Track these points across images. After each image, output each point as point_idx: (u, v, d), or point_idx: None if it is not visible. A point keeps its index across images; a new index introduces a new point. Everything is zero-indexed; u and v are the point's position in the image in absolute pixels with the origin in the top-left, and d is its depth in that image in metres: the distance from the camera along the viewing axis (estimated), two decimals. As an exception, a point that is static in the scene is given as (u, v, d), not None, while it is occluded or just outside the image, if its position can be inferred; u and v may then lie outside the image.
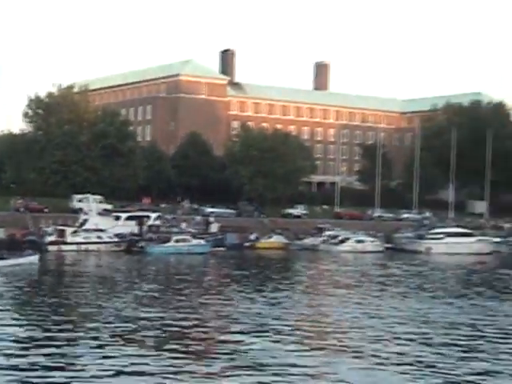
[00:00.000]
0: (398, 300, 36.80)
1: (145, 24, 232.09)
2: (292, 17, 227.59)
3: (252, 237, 71.29)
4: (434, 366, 21.62)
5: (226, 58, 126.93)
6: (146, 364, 20.93)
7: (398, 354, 23.30)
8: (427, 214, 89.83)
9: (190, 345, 24.03)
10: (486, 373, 21.35)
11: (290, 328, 27.57)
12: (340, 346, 24.39)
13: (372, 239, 73.78)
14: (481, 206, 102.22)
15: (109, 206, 71.49)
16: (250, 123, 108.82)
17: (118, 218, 67.31)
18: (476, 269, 56.26)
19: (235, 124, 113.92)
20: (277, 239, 71.58)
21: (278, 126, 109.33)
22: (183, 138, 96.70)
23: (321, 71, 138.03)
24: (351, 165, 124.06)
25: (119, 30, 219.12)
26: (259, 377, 20.11)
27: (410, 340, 25.66)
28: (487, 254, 72.72)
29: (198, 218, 74.61)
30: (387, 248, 73.36)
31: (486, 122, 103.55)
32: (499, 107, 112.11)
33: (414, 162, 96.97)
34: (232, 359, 22.04)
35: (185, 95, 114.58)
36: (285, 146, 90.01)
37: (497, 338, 26.59)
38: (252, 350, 23.44)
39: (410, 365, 21.87)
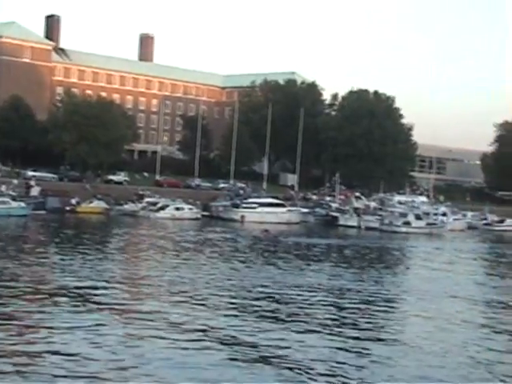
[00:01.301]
0: (208, 264, 38.85)
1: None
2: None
3: (73, 201, 72.10)
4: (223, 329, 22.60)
5: (52, 23, 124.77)
6: None
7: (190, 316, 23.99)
8: (243, 185, 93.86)
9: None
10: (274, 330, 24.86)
11: (102, 291, 28.10)
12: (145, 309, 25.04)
13: (190, 207, 76.31)
14: (292, 179, 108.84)
15: None
16: (74, 90, 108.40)
17: None
18: (261, 236, 58.35)
19: (59, 90, 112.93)
20: (98, 204, 72.87)
21: (103, 94, 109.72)
22: (5, 101, 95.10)
23: (146, 42, 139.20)
24: (173, 135, 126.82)
25: None
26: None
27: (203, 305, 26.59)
28: (296, 223, 78.20)
29: (16, 181, 73.97)
30: (204, 216, 76.46)
31: (299, 100, 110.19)
32: (312, 87, 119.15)
33: (232, 134, 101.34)
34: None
35: (7, 58, 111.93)
36: (108, 114, 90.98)
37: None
38: (44, 312, 23.47)
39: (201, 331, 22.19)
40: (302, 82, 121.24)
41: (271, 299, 28.43)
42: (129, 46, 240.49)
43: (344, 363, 18.99)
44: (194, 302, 26.69)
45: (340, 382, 17.44)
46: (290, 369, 18.14)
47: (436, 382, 18.00)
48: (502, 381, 18.56)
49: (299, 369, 18.20)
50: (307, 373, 17.99)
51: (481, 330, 25.52)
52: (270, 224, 70.84)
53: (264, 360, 18.91)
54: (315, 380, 17.49)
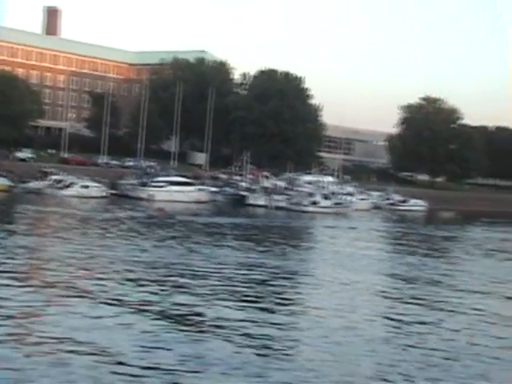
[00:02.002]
0: (111, 241, 38.54)
1: None
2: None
3: (-26, 178, 70.14)
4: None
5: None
6: None
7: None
8: (151, 163, 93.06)
9: None
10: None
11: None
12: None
13: (97, 185, 75.20)
14: (201, 158, 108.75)
15: None
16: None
17: None
18: (155, 215, 57.80)
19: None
20: (1, 181, 71.03)
21: (6, 68, 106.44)
22: None
23: (52, 16, 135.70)
24: (80, 112, 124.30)
25: None
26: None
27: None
28: (205, 202, 78.27)
29: None
30: (112, 194, 75.39)
31: (209, 78, 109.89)
32: (222, 66, 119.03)
33: (141, 112, 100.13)
34: None
35: None
36: (12, 89, 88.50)
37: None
38: None
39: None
40: (213, 61, 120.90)
41: (178, 274, 28.76)
42: (33, 19, 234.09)
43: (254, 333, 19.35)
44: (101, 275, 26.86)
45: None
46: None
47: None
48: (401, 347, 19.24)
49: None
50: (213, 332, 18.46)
51: (386, 300, 26.52)
52: (179, 203, 70.94)
53: (180, 321, 19.48)
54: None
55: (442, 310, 26.23)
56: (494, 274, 38.10)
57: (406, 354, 19.27)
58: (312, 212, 76.17)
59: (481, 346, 20.86)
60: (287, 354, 18.22)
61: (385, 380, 16.67)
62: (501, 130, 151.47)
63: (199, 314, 21.99)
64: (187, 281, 27.40)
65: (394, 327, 22.56)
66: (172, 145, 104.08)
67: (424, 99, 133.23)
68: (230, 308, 23.11)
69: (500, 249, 54.12)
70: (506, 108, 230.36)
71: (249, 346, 18.60)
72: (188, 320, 21.21)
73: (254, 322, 21.51)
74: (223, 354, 17.49)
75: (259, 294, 26.13)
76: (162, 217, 56.15)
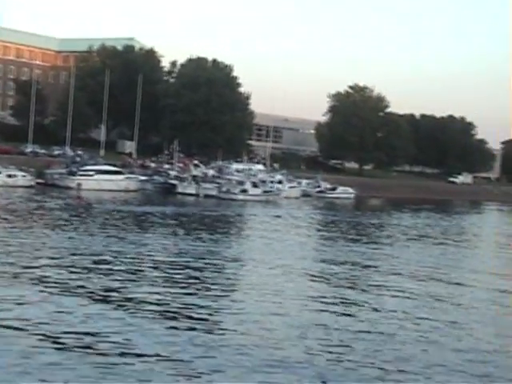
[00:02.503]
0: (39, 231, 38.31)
1: None
2: None
3: None
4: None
5: None
6: None
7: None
8: (79, 152, 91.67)
9: None
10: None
11: None
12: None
13: (23, 174, 73.60)
14: (130, 146, 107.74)
15: None
16: None
17: None
18: (74, 203, 57.17)
19: None
20: None
21: None
22: None
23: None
24: (5, 100, 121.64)
25: None
26: None
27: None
28: (134, 191, 77.59)
29: None
30: (38, 183, 73.98)
31: (137, 66, 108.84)
32: (150, 53, 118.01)
33: (68, 100, 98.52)
34: None
35: None
36: None
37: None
38: None
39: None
40: (141, 49, 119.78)
41: (103, 260, 28.80)
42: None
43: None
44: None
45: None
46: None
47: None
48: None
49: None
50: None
51: (315, 283, 27.07)
52: (108, 191, 70.22)
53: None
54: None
55: (369, 292, 26.93)
56: (419, 258, 39.19)
57: (334, 336, 19.74)
58: (242, 200, 76.50)
59: (409, 329, 21.48)
60: (214, 340, 18.38)
61: (313, 364, 16.99)
62: (426, 117, 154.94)
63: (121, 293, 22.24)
64: (111, 266, 27.41)
65: (324, 311, 23.08)
66: (100, 133, 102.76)
67: (352, 87, 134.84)
68: (158, 292, 23.26)
69: (426, 234, 55.55)
70: (432, 96, 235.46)
71: (175, 328, 18.79)
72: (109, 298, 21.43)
73: (180, 305, 21.66)
74: (149, 340, 17.62)
75: (187, 279, 26.33)
76: (80, 205, 55.25)
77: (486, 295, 28.92)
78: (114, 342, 17.48)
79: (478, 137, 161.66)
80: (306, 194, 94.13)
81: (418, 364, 18.02)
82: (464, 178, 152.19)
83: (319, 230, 54.97)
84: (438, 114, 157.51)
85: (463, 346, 20.21)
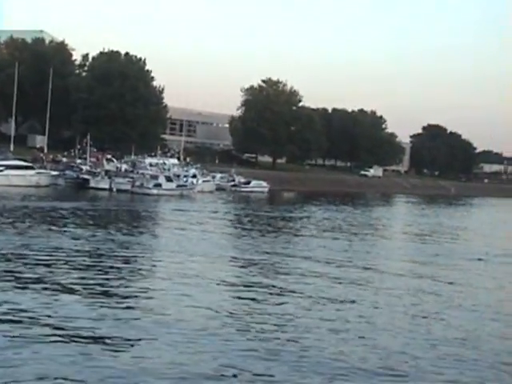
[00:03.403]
0: None
1: None
2: None
3: None
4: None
5: None
6: None
7: None
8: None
9: None
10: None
11: None
12: None
13: None
14: (41, 140, 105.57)
15: None
16: None
17: None
18: None
19: None
20: None
21: None
22: None
23: None
24: None
25: None
26: None
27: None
28: (46, 186, 75.97)
29: None
30: None
31: (48, 59, 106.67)
32: (61, 46, 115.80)
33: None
34: None
35: None
36: None
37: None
38: None
39: None
40: (51, 41, 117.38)
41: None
42: None
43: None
44: None
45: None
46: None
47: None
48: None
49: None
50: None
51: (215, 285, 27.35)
52: (18, 187, 68.68)
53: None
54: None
55: (278, 278, 27.45)
56: (332, 248, 40.05)
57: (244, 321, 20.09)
58: (156, 194, 76.26)
59: (313, 318, 22.03)
60: (113, 350, 17.93)
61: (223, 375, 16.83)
62: (337, 111, 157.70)
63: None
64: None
65: (234, 297, 23.45)
66: (10, 128, 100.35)
67: (265, 82, 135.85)
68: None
69: (338, 226, 56.74)
70: (342, 90, 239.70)
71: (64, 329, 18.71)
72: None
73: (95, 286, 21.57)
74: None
75: (91, 280, 25.68)
76: None
77: (392, 280, 29.94)
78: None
79: (388, 130, 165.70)
80: (220, 188, 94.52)
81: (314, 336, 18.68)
82: (375, 171, 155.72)
83: (233, 224, 55.37)
84: (350, 108, 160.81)
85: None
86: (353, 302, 24.83)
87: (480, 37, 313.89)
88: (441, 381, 16.74)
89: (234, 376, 15.84)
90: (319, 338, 19.51)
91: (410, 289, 28.42)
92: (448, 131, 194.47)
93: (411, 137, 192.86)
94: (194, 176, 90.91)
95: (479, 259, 39.82)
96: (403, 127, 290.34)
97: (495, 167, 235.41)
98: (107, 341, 17.65)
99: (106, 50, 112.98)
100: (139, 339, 17.86)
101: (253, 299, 23.98)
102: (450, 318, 23.46)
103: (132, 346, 17.41)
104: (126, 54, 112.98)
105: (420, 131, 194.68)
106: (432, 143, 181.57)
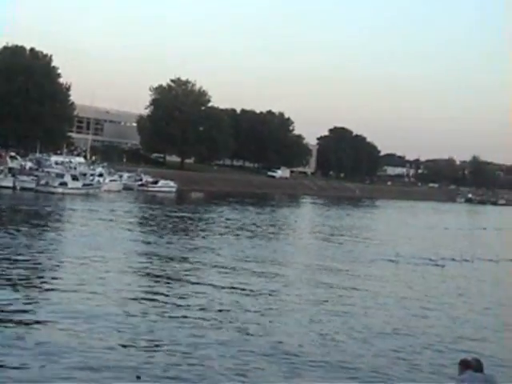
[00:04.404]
0: None
1: None
2: None
3: None
4: None
5: None
6: None
7: None
8: None
9: None
10: None
11: None
12: None
13: None
14: None
15: None
16: None
17: None
18: None
19: None
20: None
21: None
22: None
23: None
24: None
25: None
26: None
27: None
28: None
29: None
30: None
31: None
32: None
33: None
34: None
35: None
36: None
37: None
38: None
39: None
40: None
41: None
42: None
43: None
44: None
45: None
46: None
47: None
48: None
49: None
50: None
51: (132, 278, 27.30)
52: None
53: None
54: None
55: (187, 284, 27.63)
56: (237, 250, 40.44)
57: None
58: (61, 193, 74.92)
59: (222, 317, 22.35)
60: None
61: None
62: (246, 112, 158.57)
63: None
64: None
65: (133, 299, 23.52)
66: None
67: (173, 81, 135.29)
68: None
69: (244, 227, 57.15)
70: (251, 91, 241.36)
71: None
72: None
73: None
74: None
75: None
76: None
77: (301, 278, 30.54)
78: None
79: (296, 132, 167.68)
80: (127, 188, 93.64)
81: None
82: (282, 173, 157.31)
83: (139, 224, 55.03)
84: (258, 109, 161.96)
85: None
86: (250, 291, 25.22)
87: (381, 39, 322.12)
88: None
89: (138, 378, 15.96)
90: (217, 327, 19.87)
91: (311, 288, 29.08)
92: (353, 134, 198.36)
93: (318, 139, 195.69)
94: (101, 175, 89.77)
95: (391, 261, 40.91)
96: (311, 129, 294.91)
97: (398, 170, 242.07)
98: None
99: (9, 45, 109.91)
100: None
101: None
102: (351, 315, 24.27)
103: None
104: (32, 49, 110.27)
105: (327, 133, 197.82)
106: (338, 145, 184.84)
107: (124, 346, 18.21)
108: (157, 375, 16.25)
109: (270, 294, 27.16)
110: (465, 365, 11.63)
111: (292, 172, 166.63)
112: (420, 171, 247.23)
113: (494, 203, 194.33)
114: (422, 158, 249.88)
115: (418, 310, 26.81)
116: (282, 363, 17.96)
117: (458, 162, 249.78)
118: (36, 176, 78.89)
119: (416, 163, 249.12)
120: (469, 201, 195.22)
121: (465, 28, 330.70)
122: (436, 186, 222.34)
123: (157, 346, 18.59)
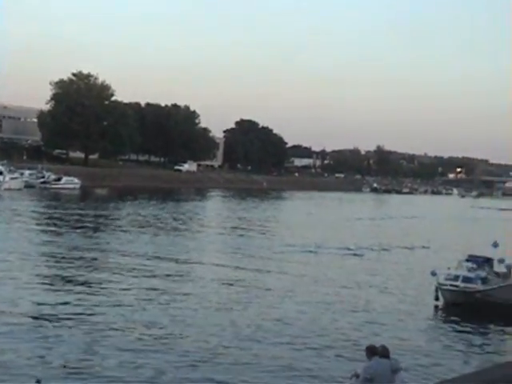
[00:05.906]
0: None
1: None
2: None
3: None
4: None
5: None
6: None
7: None
8: None
9: None
10: None
11: None
12: None
13: None
14: None
15: None
16: None
17: None
18: None
19: None
20: None
21: None
22: None
23: None
24: None
25: None
26: None
27: None
28: None
29: None
30: None
31: None
32: None
33: None
34: None
35: None
36: None
37: None
38: None
39: None
40: None
41: None
42: None
43: None
44: None
45: None
46: None
47: None
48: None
49: None
50: None
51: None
52: None
53: None
54: None
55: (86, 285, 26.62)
56: (143, 245, 39.48)
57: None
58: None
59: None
60: None
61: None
62: (151, 106, 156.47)
63: None
64: None
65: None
66: None
67: (75, 75, 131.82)
68: None
69: (151, 223, 56.23)
70: (156, 84, 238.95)
71: None
72: None
73: None
74: None
75: None
76: None
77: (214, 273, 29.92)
78: None
79: (202, 125, 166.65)
80: (29, 186, 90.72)
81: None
82: (189, 167, 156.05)
83: (41, 223, 53.11)
84: (163, 102, 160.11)
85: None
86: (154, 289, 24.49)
87: (281, 30, 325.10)
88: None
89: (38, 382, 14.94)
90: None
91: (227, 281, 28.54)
92: (260, 126, 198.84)
93: (225, 132, 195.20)
94: (1, 173, 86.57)
95: (310, 251, 41.76)
96: (217, 122, 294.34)
97: (305, 161, 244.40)
98: None
99: None
100: None
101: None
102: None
103: None
104: None
105: (233, 126, 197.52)
106: (245, 138, 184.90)
107: None
108: None
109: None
110: (371, 351, 11.98)
111: (199, 165, 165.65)
112: (326, 162, 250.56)
113: (399, 192, 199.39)
114: (328, 149, 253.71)
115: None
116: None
117: (362, 152, 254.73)
118: None
119: (322, 154, 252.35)
120: (374, 190, 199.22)
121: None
122: (342, 176, 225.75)
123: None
